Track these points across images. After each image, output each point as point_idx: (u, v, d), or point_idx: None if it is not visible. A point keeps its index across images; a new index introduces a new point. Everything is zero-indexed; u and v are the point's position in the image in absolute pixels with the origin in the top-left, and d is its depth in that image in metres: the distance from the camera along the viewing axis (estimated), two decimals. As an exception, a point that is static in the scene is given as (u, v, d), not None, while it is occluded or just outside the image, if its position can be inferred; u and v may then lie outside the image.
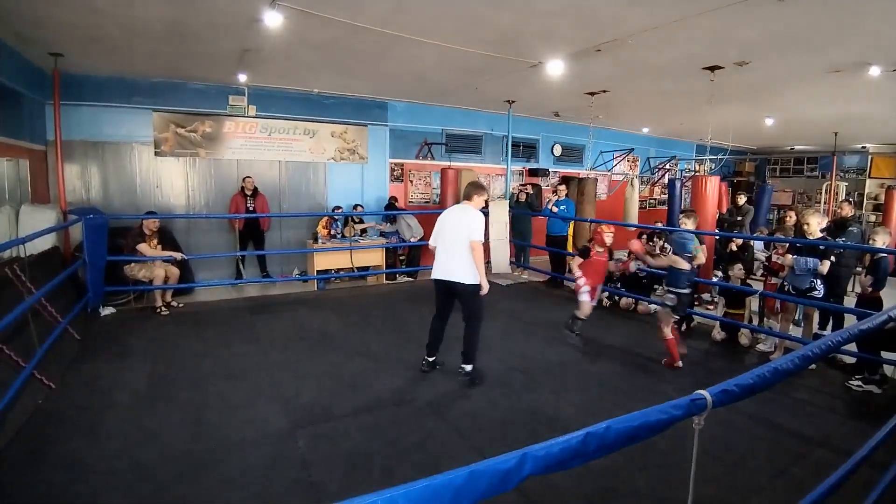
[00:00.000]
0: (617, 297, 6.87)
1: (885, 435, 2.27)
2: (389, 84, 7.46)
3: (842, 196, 11.73)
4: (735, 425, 3.51)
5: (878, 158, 12.67)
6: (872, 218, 12.02)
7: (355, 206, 8.39)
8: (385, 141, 8.98)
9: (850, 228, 5.66)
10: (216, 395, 3.85)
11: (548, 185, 10.61)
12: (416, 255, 8.55)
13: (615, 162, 11.48)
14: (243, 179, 7.48)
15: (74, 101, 6.54)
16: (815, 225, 4.64)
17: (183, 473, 2.85)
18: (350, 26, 4.52)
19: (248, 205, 7.44)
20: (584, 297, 5.03)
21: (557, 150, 11.12)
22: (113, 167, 7.03)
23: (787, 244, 5.06)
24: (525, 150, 10.67)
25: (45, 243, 5.34)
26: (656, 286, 6.70)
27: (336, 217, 7.88)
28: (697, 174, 8.90)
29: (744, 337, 5.39)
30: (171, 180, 7.40)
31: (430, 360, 4.40)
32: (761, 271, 6.20)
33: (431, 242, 4.34)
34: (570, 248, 8.40)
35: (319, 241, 7.65)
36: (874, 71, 5.37)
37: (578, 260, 5.20)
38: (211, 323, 5.73)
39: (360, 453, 3.10)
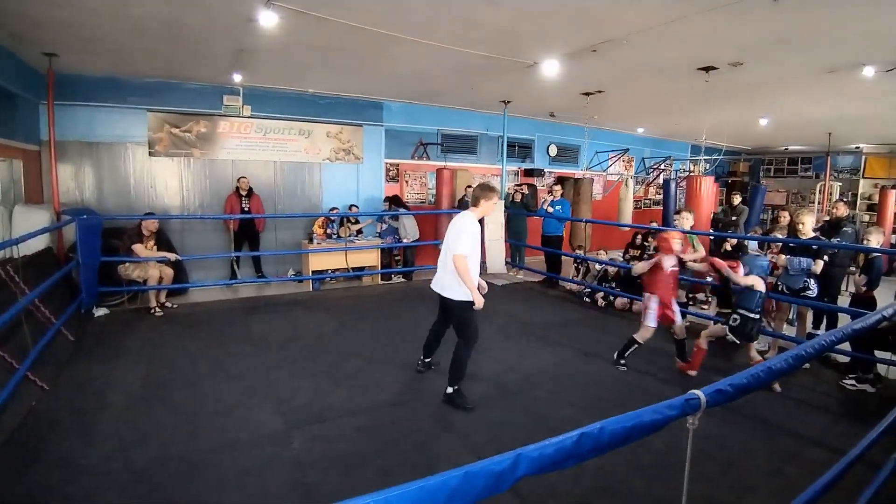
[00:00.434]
0: (612, 297, 6.89)
1: (878, 434, 2.29)
2: (385, 84, 7.45)
3: (836, 196, 11.82)
4: (729, 424, 3.52)
5: (872, 159, 12.75)
6: (866, 218, 12.09)
7: (350, 207, 8.38)
8: (380, 141, 8.96)
9: (845, 228, 5.69)
10: (210, 396, 3.83)
11: (543, 186, 10.63)
12: (411, 256, 8.56)
13: (610, 162, 11.52)
14: (238, 180, 7.46)
15: (68, 101, 6.49)
16: (809, 225, 4.67)
17: (177, 474, 2.84)
18: (345, 26, 4.51)
19: (243, 205, 7.41)
20: (651, 323, 4.39)
21: (553, 151, 11.15)
22: (107, 167, 6.99)
23: (781, 244, 5.09)
24: (521, 150, 10.69)
25: (39, 244, 5.31)
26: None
27: (332, 217, 7.87)
28: (692, 174, 8.93)
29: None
30: (165, 180, 7.36)
31: (426, 360, 4.39)
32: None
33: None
34: (566, 249, 8.42)
35: (315, 241, 7.64)
36: (868, 71, 5.39)
37: (640, 268, 4.54)
38: (205, 323, 5.70)
39: (354, 454, 3.09)
